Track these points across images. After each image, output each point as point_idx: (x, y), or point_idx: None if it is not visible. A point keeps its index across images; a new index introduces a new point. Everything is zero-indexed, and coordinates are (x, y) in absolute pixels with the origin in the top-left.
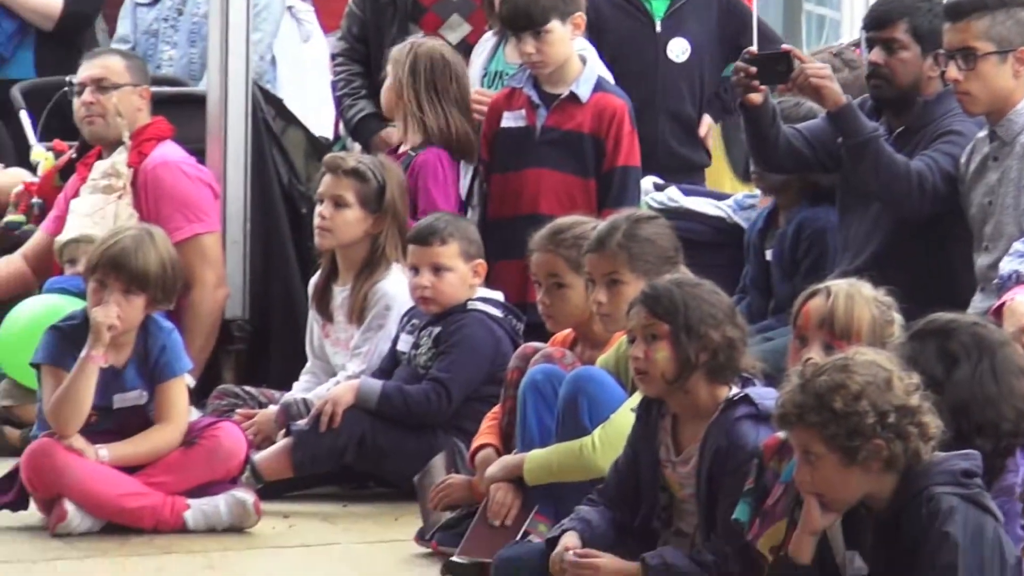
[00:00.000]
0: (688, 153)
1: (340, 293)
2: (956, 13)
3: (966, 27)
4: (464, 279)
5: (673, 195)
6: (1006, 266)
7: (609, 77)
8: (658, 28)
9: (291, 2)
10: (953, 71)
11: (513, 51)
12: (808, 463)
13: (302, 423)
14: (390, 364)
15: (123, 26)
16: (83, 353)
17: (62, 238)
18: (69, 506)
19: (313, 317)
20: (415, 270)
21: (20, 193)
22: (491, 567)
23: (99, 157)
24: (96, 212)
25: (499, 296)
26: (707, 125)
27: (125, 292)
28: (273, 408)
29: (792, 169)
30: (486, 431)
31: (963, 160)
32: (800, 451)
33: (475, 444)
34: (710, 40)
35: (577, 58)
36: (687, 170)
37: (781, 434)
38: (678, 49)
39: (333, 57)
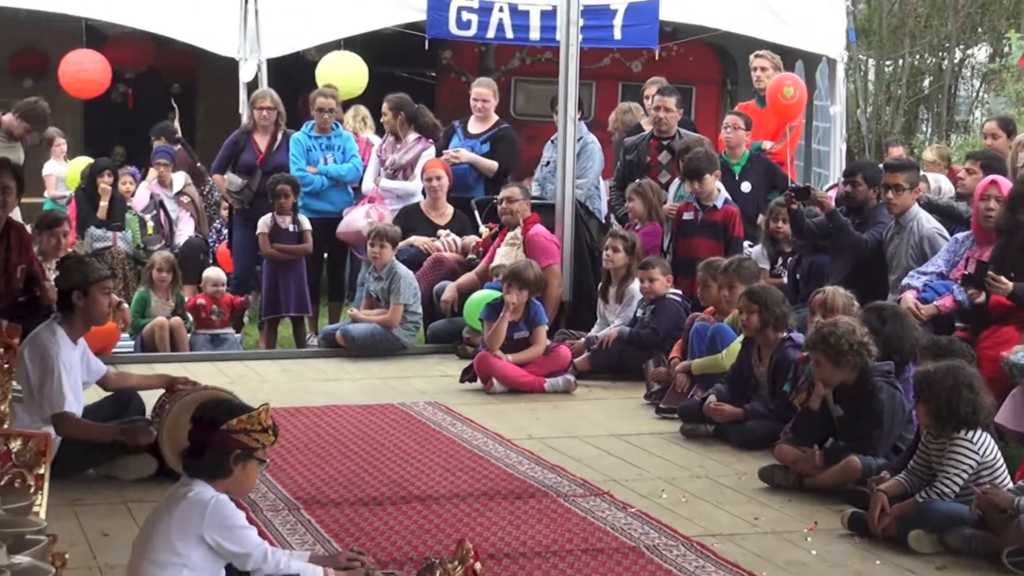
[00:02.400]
0: (750, 229)
1: (612, 289)
2: (893, 168)
3: (895, 176)
4: (667, 285)
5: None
6: (906, 280)
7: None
8: (736, 176)
9: None
10: (890, 195)
11: (687, 187)
12: (818, 365)
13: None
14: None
15: (547, 153)
16: (502, 314)
17: (493, 266)
18: (495, 381)
19: (602, 299)
20: (643, 281)
21: (475, 246)
22: (679, 410)
23: (510, 229)
24: (508, 255)
25: (679, 292)
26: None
27: (520, 289)
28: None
29: (815, 238)
30: (675, 350)
31: (886, 234)
32: (814, 360)
33: (671, 356)
34: (759, 182)
35: (717, 189)
36: (754, 238)
37: (805, 353)
38: (746, 187)
39: None
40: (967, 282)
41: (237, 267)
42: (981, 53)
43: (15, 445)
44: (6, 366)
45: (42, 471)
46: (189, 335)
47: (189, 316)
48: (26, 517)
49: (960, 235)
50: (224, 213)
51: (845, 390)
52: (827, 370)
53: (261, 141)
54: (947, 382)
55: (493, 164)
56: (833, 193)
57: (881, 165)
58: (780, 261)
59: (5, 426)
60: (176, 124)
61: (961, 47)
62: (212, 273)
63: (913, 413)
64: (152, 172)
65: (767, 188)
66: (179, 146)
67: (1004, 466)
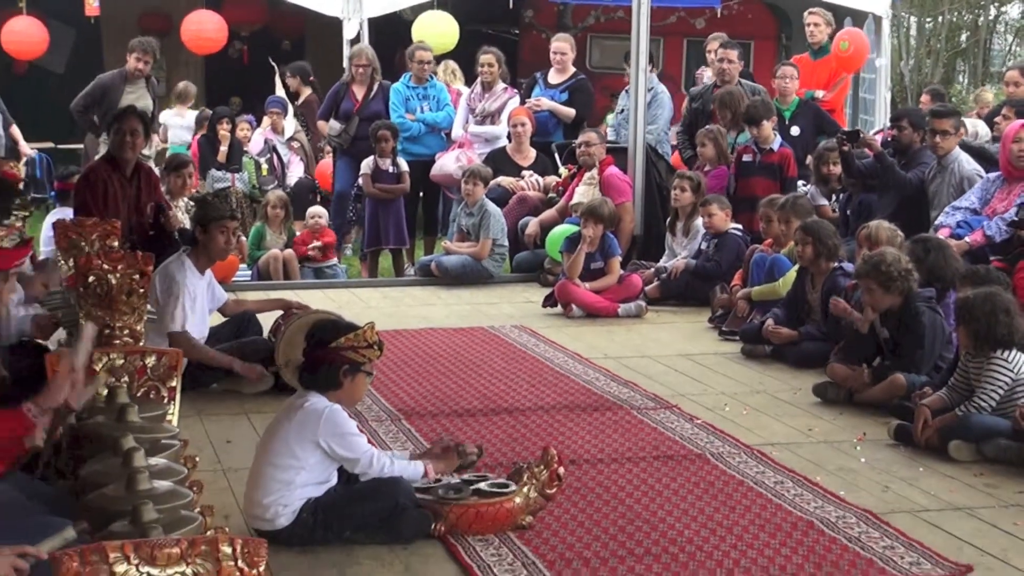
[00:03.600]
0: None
1: (679, 224)
2: (939, 115)
3: (942, 122)
4: (725, 219)
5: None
6: (941, 219)
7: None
8: (787, 121)
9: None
10: (937, 139)
11: (746, 133)
12: (869, 292)
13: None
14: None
15: (621, 102)
16: (579, 246)
17: (571, 203)
18: (574, 307)
19: (670, 233)
20: (703, 216)
21: (555, 185)
22: (740, 332)
23: (587, 170)
24: (585, 193)
25: (739, 227)
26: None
27: (595, 223)
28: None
29: (864, 178)
30: (736, 279)
31: (928, 173)
32: (865, 287)
33: (733, 284)
34: (808, 126)
35: (773, 134)
36: (806, 178)
37: (854, 281)
38: (795, 130)
39: None
40: (1015, 226)
41: (335, 196)
42: (1014, 10)
43: (150, 360)
44: (141, 290)
45: (174, 384)
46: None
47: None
48: (160, 424)
49: (991, 175)
50: (328, 158)
51: (891, 314)
52: (877, 296)
53: (358, 91)
54: (985, 307)
55: (571, 111)
56: (879, 137)
57: (928, 111)
58: (832, 198)
59: (140, 344)
60: (278, 80)
61: (996, 4)
62: (315, 210)
63: (953, 335)
64: (266, 120)
65: (815, 132)
66: (311, 89)
67: None
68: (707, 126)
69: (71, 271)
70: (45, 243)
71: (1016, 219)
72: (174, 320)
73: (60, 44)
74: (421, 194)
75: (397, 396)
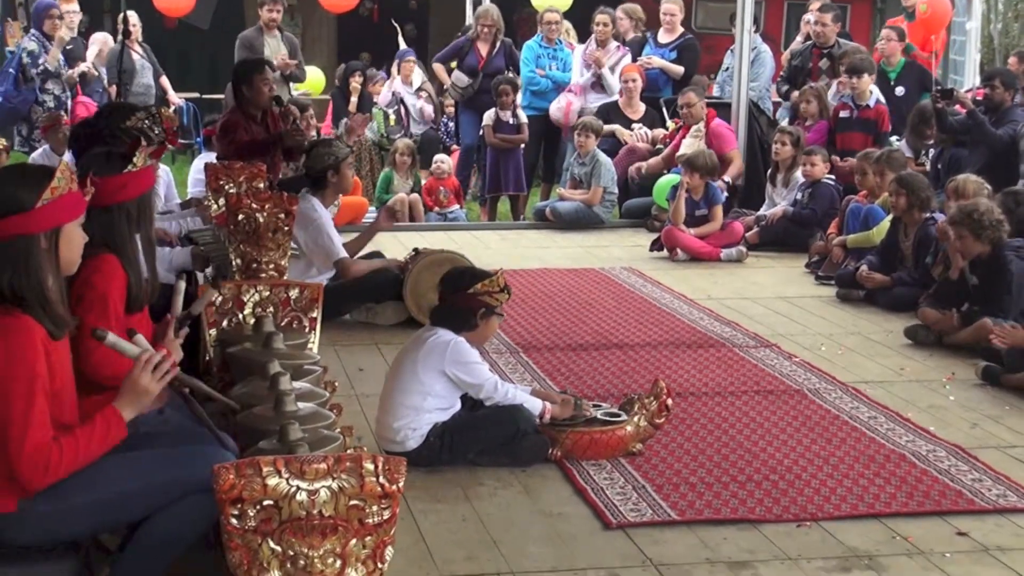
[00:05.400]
0: (903, 128)
1: (779, 175)
2: None
3: None
4: (825, 170)
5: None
6: None
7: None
8: (892, 82)
9: None
10: None
11: (847, 84)
12: (960, 238)
13: None
14: None
15: (727, 60)
16: (679, 192)
17: (677, 155)
18: (679, 251)
19: (770, 183)
20: (804, 165)
21: (662, 137)
22: (835, 277)
23: (692, 125)
24: (691, 145)
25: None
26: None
27: (692, 172)
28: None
29: (956, 133)
30: (832, 227)
31: (1021, 129)
32: (956, 234)
33: (829, 232)
34: (914, 85)
35: (870, 91)
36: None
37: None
38: (900, 91)
39: None
40: None
41: (463, 149)
42: None
43: (293, 293)
44: (286, 228)
45: (315, 315)
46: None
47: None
48: (303, 351)
49: None
50: (449, 110)
51: (980, 262)
52: (968, 243)
53: (483, 48)
54: None
55: (679, 69)
56: (970, 96)
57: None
58: (923, 153)
59: (285, 277)
60: (401, 39)
61: None
62: (440, 157)
63: None
64: (395, 71)
65: (919, 91)
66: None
67: None
68: (809, 83)
69: (221, 210)
70: (193, 184)
71: None
72: (336, 250)
73: (206, 2)
74: (543, 145)
75: (516, 331)
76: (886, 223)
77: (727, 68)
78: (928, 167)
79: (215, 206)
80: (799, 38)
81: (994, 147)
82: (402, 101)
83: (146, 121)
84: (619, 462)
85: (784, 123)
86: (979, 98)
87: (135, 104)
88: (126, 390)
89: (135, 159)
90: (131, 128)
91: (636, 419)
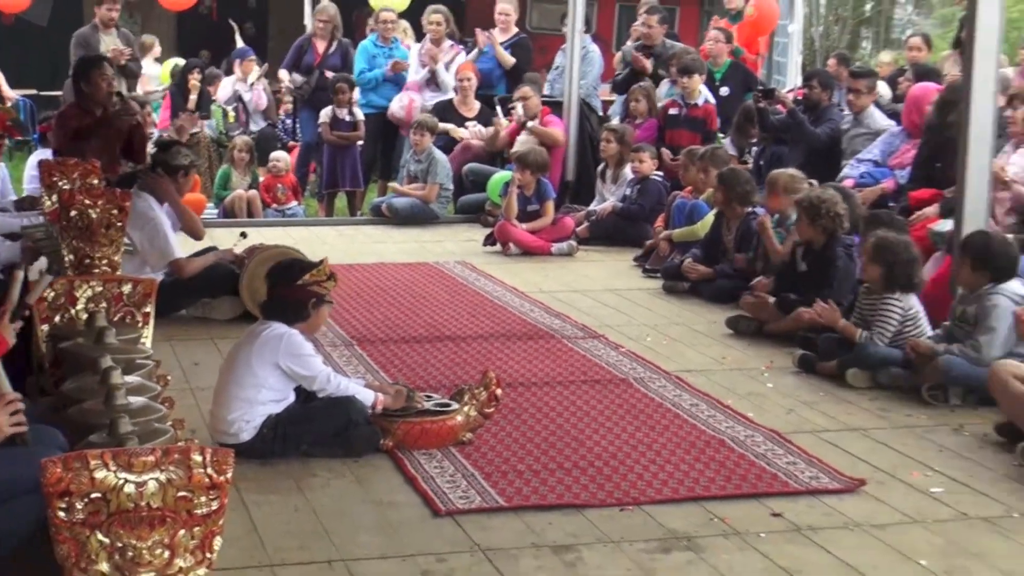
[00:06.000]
0: (727, 127)
1: (608, 172)
2: (857, 75)
3: (858, 82)
4: (653, 167)
5: None
6: (846, 171)
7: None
8: (717, 82)
9: None
10: (851, 97)
11: (674, 87)
12: (799, 220)
13: None
14: None
15: (558, 59)
16: (510, 188)
17: (512, 152)
18: (511, 245)
19: (600, 179)
20: (633, 161)
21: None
22: (661, 270)
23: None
24: (526, 142)
25: (660, 173)
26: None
27: (523, 168)
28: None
29: (777, 132)
30: (659, 221)
31: (845, 127)
32: (798, 214)
33: (656, 226)
34: (738, 85)
35: (699, 91)
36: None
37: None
38: (724, 91)
39: None
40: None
41: (302, 146)
42: None
43: (126, 288)
44: (119, 224)
45: (148, 309)
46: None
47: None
48: (135, 346)
49: (894, 129)
50: (287, 107)
51: (812, 250)
52: (802, 225)
53: (320, 45)
54: (906, 254)
55: (511, 59)
56: (791, 96)
57: (849, 72)
58: (747, 150)
59: (118, 273)
60: (238, 37)
61: None
62: (277, 154)
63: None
64: (237, 69)
65: (743, 91)
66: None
67: (925, 318)
68: (638, 83)
69: (54, 206)
70: (29, 180)
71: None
72: (171, 250)
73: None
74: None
75: (350, 324)
76: (710, 217)
77: (558, 67)
78: (751, 164)
79: (48, 202)
80: (629, 41)
81: (813, 144)
82: (241, 99)
83: None
84: (449, 451)
85: (615, 121)
86: (799, 98)
87: None
88: None
89: None
90: None
91: (466, 409)
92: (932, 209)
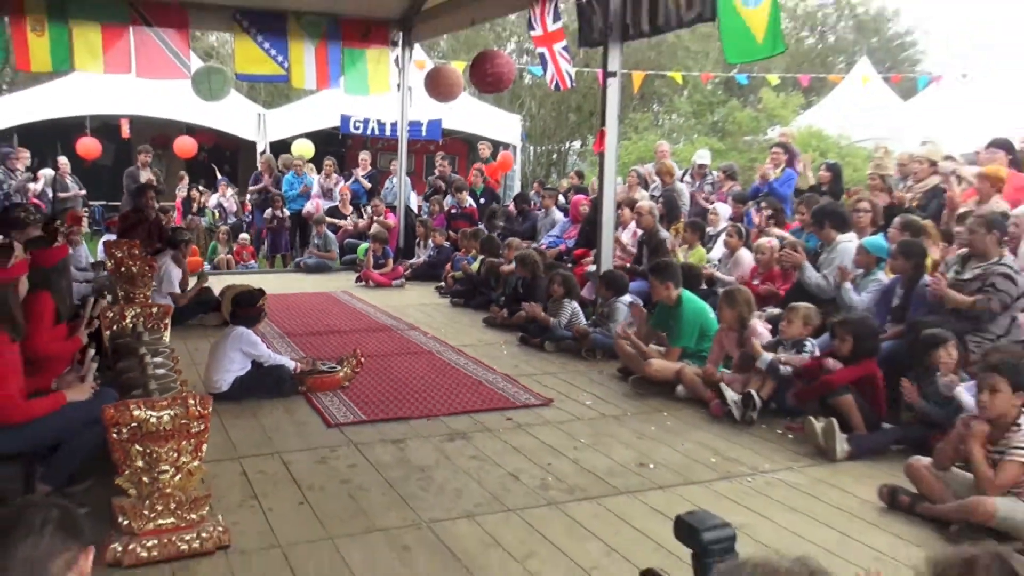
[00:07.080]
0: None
1: (421, 242)
2: (546, 190)
3: (546, 194)
4: (442, 240)
5: None
6: (543, 240)
7: None
8: (478, 195)
9: None
10: (547, 202)
11: (454, 198)
12: (518, 267)
13: None
14: None
15: (391, 183)
16: (368, 251)
17: (371, 232)
18: (370, 281)
19: (417, 246)
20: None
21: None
22: (450, 292)
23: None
24: (380, 233)
25: (445, 244)
26: None
27: (376, 242)
28: None
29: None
30: (448, 268)
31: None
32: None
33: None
34: (488, 197)
35: (467, 198)
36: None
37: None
38: (482, 201)
39: None
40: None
41: (256, 231)
42: (578, 143)
43: (155, 310)
44: (149, 275)
45: (167, 321)
46: None
47: None
48: (159, 341)
49: (565, 219)
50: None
51: (525, 282)
52: (519, 268)
53: (265, 176)
54: (574, 282)
55: (368, 184)
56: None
57: (543, 189)
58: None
59: (149, 301)
60: (218, 172)
61: (570, 140)
62: (243, 236)
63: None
64: (220, 190)
65: (491, 200)
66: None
67: (582, 314)
68: (436, 195)
69: (112, 264)
70: (100, 253)
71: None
72: (172, 288)
73: (108, 151)
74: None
75: (282, 324)
76: (476, 264)
77: (392, 186)
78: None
79: (109, 263)
80: (434, 174)
81: (519, 229)
82: (221, 206)
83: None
84: (337, 392)
85: (424, 215)
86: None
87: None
88: (74, 389)
89: (57, 240)
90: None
91: (346, 368)
92: (588, 259)
